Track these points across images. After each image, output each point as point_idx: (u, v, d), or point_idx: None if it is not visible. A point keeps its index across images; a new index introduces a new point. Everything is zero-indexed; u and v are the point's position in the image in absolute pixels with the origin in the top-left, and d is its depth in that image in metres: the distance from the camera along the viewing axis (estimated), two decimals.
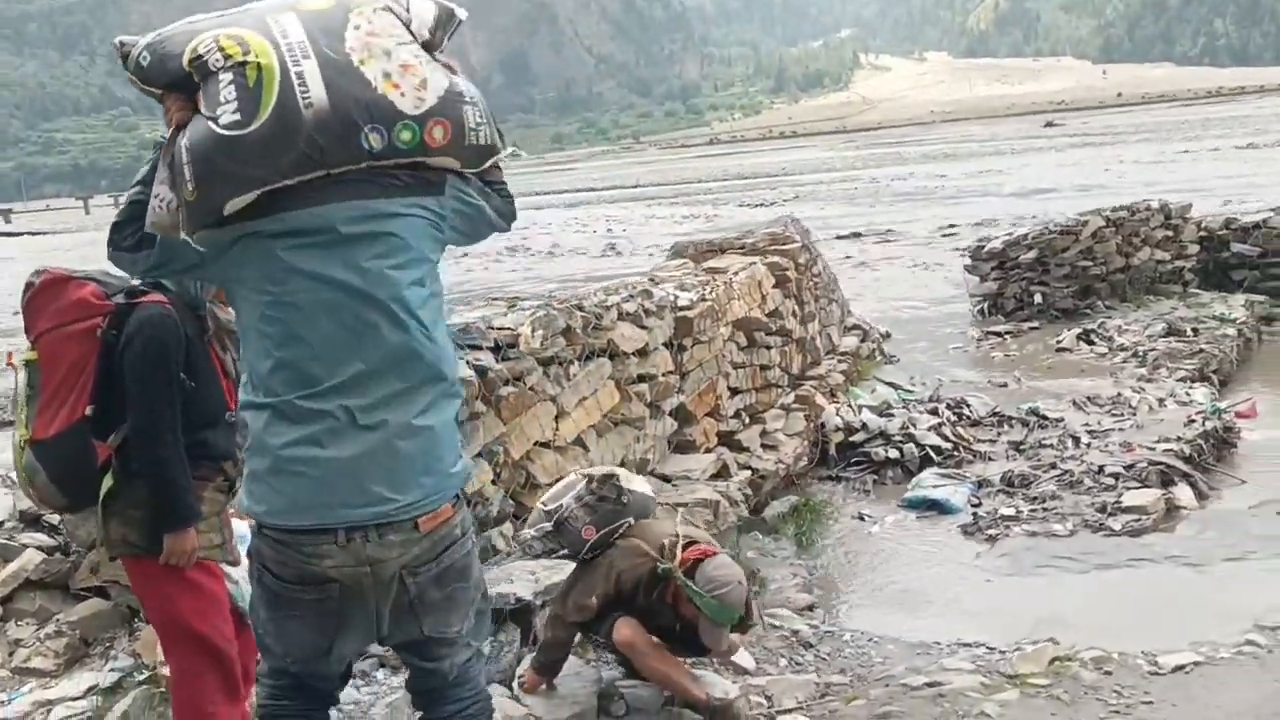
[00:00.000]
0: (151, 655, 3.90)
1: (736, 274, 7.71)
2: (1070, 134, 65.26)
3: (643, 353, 6.28)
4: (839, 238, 22.06)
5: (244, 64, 2.14)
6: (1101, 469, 7.08)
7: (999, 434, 8.24)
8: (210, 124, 2.14)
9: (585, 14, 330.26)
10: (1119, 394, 8.78)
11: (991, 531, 6.52)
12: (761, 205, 32.28)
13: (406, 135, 2.23)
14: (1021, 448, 7.87)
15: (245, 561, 3.12)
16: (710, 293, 7.11)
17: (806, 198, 34.74)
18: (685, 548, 3.78)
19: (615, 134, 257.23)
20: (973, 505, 6.93)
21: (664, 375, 6.51)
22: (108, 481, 3.10)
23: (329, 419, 2.22)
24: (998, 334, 11.77)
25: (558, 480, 4.32)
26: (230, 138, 2.12)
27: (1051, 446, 7.76)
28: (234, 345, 3.16)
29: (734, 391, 7.56)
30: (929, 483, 7.28)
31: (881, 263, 18.42)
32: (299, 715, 2.52)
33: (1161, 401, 8.49)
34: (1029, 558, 6.16)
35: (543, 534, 3.86)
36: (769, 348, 8.08)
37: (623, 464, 5.86)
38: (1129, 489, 6.75)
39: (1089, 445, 7.65)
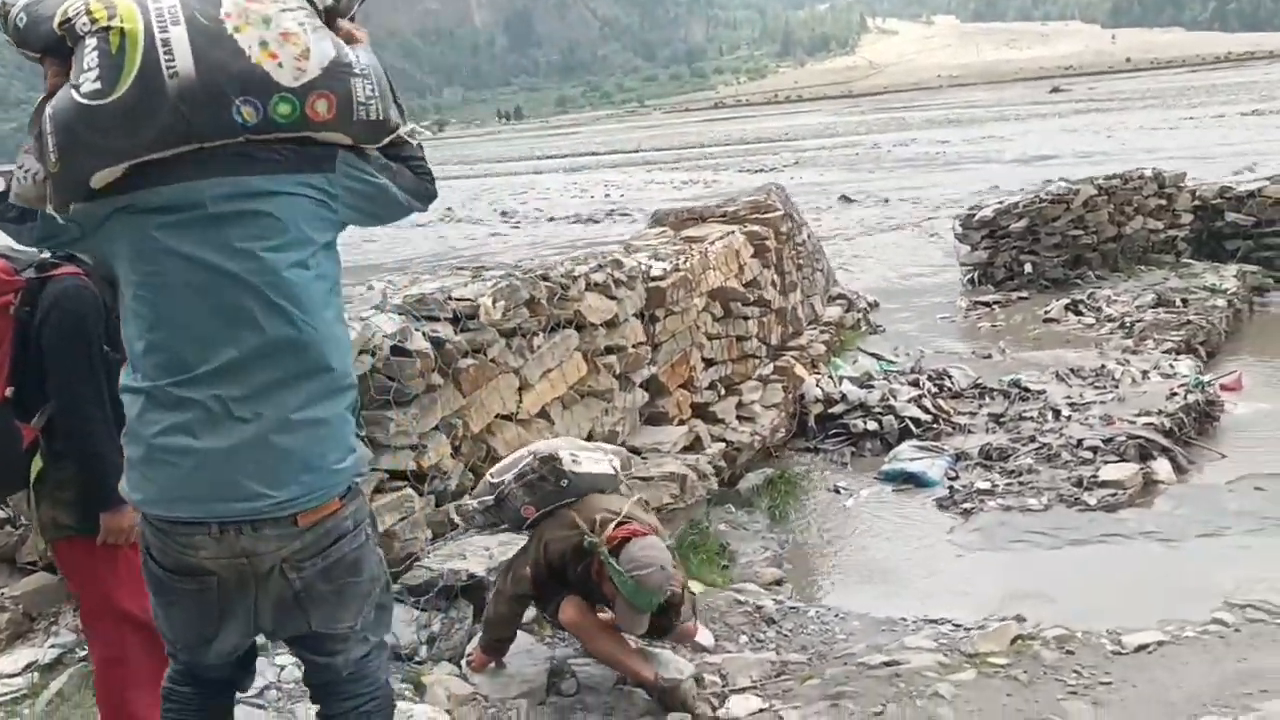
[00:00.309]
0: None
1: (713, 243, 7.57)
2: (1076, 100, 64.74)
3: (611, 324, 6.17)
4: (843, 198, 21.96)
5: (108, 29, 2.02)
6: (1080, 442, 6.99)
7: (980, 406, 8.16)
8: (73, 92, 2.03)
9: None
10: (1103, 366, 8.66)
11: (966, 505, 6.47)
12: (762, 171, 32.04)
13: (285, 109, 2.09)
14: (1002, 420, 7.78)
15: None
16: (685, 262, 6.98)
17: (807, 163, 34.48)
18: (619, 526, 3.69)
19: (619, 98, 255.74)
20: (950, 478, 6.87)
21: (634, 346, 6.40)
22: (37, 464, 3.01)
23: (200, 408, 2.12)
24: (986, 304, 11.64)
25: None
26: (91, 107, 2.01)
27: (1032, 419, 7.67)
28: None
29: (709, 363, 7.44)
30: (906, 455, 7.23)
31: (876, 230, 18.26)
32: (195, 702, 2.46)
33: (1145, 374, 8.38)
34: (1002, 533, 6.11)
35: (484, 508, 3.79)
36: (746, 318, 7.95)
37: (590, 436, 5.78)
38: (1107, 463, 6.68)
39: (1069, 418, 7.56)
